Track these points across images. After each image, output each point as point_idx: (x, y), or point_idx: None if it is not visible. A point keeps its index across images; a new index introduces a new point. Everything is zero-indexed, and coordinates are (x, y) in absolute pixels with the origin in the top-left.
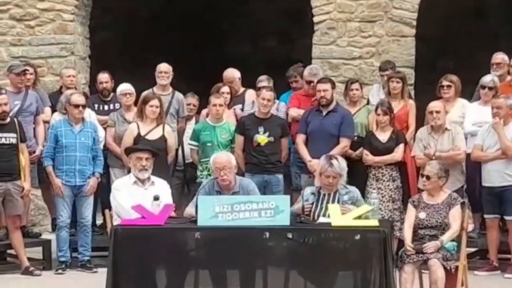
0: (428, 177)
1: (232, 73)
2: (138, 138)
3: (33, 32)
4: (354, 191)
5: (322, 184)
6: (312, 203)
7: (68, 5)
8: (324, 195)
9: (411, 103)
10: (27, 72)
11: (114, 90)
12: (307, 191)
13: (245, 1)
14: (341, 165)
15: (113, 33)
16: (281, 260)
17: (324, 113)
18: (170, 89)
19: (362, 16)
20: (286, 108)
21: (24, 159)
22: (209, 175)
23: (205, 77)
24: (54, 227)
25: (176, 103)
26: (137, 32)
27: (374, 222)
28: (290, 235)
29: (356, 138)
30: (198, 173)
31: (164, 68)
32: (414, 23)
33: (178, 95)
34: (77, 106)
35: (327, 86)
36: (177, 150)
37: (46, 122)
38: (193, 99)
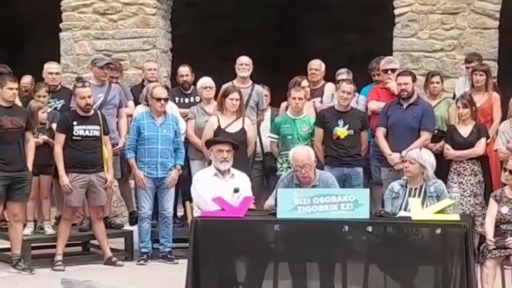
0: (510, 172)
1: (320, 63)
2: (218, 131)
3: (116, 26)
4: (440, 184)
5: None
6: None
7: None
8: (411, 188)
9: (496, 96)
10: (110, 65)
11: (194, 83)
12: (395, 185)
13: None
14: (424, 156)
15: (194, 26)
16: (360, 254)
17: (405, 106)
18: (250, 82)
19: (444, 8)
20: (366, 102)
21: (107, 151)
22: (289, 167)
23: (285, 71)
24: (132, 220)
25: (256, 95)
26: (218, 26)
27: (455, 217)
28: (369, 229)
29: (436, 131)
30: (278, 165)
31: (244, 61)
32: (497, 15)
33: (258, 87)
34: (159, 99)
35: (408, 79)
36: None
37: (129, 116)
38: (264, 91)
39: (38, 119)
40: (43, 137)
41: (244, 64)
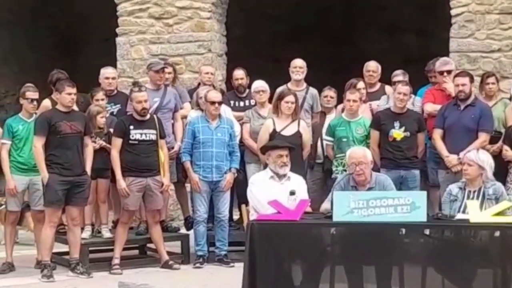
0: None
1: (376, 65)
2: (274, 134)
3: (171, 30)
4: (499, 186)
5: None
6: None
7: (205, 3)
8: (469, 191)
9: None
10: (165, 69)
11: (249, 86)
12: (454, 187)
13: None
14: (482, 157)
15: (248, 29)
16: (417, 257)
17: (462, 107)
18: (304, 84)
19: (502, 8)
20: (421, 103)
21: (163, 155)
22: (344, 170)
23: (341, 72)
24: (187, 225)
25: (310, 98)
26: (272, 29)
27: None
28: (427, 232)
29: (493, 133)
30: (333, 168)
31: (298, 63)
32: None
33: (312, 90)
34: (213, 102)
35: (466, 80)
36: (316, 143)
37: (185, 117)
38: (330, 92)
39: (97, 123)
40: (100, 142)
41: (298, 67)
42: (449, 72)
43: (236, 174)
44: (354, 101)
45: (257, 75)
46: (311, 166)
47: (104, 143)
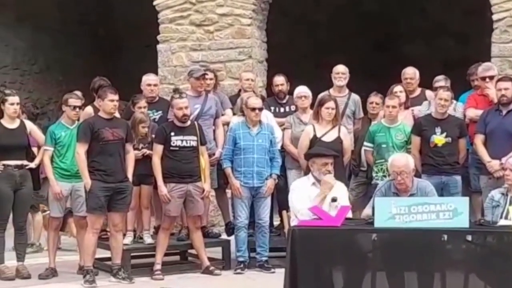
0: None
1: (414, 71)
2: (314, 140)
3: (212, 37)
4: None
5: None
6: None
7: (246, 10)
8: None
9: None
10: (206, 76)
11: (290, 92)
12: (496, 193)
13: (421, 1)
14: None
15: (289, 35)
16: (460, 263)
17: (504, 112)
18: (347, 90)
19: None
20: (463, 109)
21: (204, 161)
22: (384, 176)
23: (382, 78)
24: (228, 231)
25: (353, 104)
26: (313, 34)
27: None
28: (469, 238)
29: None
30: (373, 174)
31: (341, 69)
32: None
33: (354, 96)
34: (253, 109)
35: (508, 84)
36: (359, 150)
37: (226, 123)
38: (375, 98)
39: (138, 132)
40: (143, 151)
41: (340, 73)
42: (491, 77)
43: (276, 180)
44: (393, 107)
45: (298, 81)
46: (355, 173)
47: (147, 152)
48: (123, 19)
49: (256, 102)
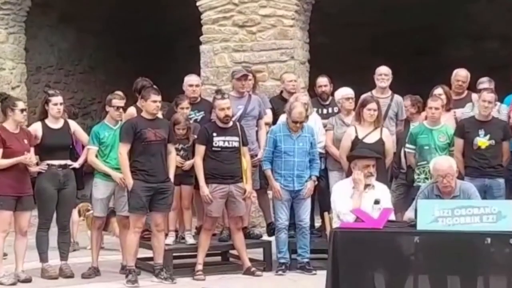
0: None
1: (466, 74)
2: (356, 141)
3: (255, 38)
4: None
5: None
6: None
7: (288, 11)
8: None
9: None
10: (248, 77)
11: (332, 93)
12: None
13: (465, 3)
14: None
15: (332, 36)
16: (503, 267)
17: None
18: (390, 92)
19: None
20: (508, 111)
21: (246, 162)
22: (426, 178)
23: (424, 82)
24: (270, 232)
25: (395, 106)
26: (356, 35)
27: None
28: None
29: None
30: (415, 176)
31: (384, 71)
32: None
33: (397, 97)
34: (295, 122)
35: None
36: (399, 152)
37: (267, 124)
38: (407, 101)
39: (175, 131)
40: (187, 164)
41: (383, 74)
42: None
43: (316, 182)
44: (436, 108)
45: (341, 82)
46: (396, 176)
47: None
48: (169, 20)
49: (299, 116)
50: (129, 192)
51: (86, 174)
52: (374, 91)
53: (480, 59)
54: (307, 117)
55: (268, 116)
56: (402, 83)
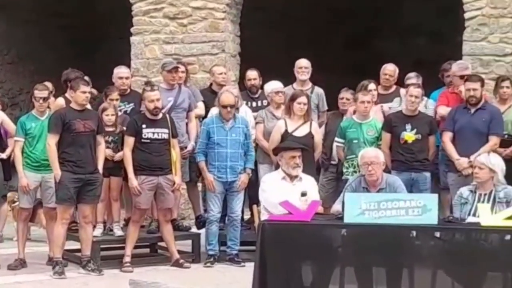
0: None
1: (394, 68)
2: (286, 135)
3: (186, 30)
4: (510, 190)
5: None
6: None
7: (220, 4)
8: (480, 194)
9: None
10: (178, 69)
11: (262, 87)
12: (464, 190)
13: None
14: (493, 161)
15: (263, 30)
16: (428, 259)
17: (473, 110)
18: (310, 84)
19: None
20: (435, 106)
21: (175, 154)
22: (355, 172)
23: (356, 75)
24: (199, 224)
25: (316, 97)
26: (287, 29)
27: None
28: (437, 234)
29: (506, 136)
30: (344, 170)
31: (303, 64)
32: None
33: (318, 89)
34: (225, 106)
35: (477, 85)
36: (331, 145)
37: (198, 116)
38: (346, 93)
39: (103, 120)
40: (118, 155)
41: (303, 67)
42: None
43: (250, 174)
44: (368, 102)
45: (272, 76)
46: (325, 167)
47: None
48: (99, 11)
49: (227, 99)
50: (57, 183)
51: (14, 165)
52: (294, 84)
53: (410, 55)
54: (237, 108)
55: (201, 109)
56: (333, 76)
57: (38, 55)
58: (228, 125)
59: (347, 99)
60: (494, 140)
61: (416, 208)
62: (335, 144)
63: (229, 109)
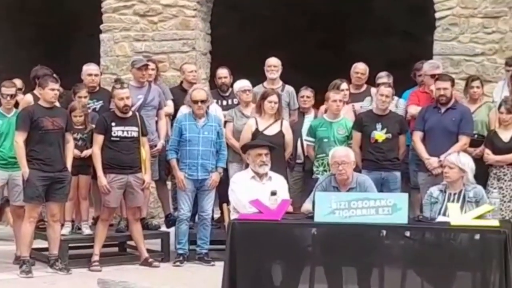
0: None
1: (365, 67)
2: (256, 133)
3: (156, 27)
4: (480, 189)
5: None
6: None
7: (190, 1)
8: (450, 194)
9: None
10: (148, 67)
11: (232, 85)
12: (434, 190)
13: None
14: (463, 160)
15: (235, 29)
16: (398, 259)
17: (443, 110)
18: (280, 82)
19: (486, 12)
20: (405, 105)
21: (145, 152)
22: (325, 171)
23: (328, 75)
24: (168, 223)
25: (287, 95)
26: (259, 28)
27: (494, 222)
28: (407, 234)
29: (476, 136)
30: (314, 169)
31: (273, 62)
32: None
33: (288, 88)
34: (196, 101)
35: (447, 84)
36: (296, 144)
37: (168, 114)
38: (306, 91)
39: (72, 119)
40: (84, 153)
41: (272, 65)
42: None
43: (221, 173)
44: (340, 101)
45: (243, 74)
46: (291, 167)
47: (87, 154)
48: (69, 8)
49: (198, 94)
50: (25, 181)
51: None
52: (265, 83)
53: (381, 54)
54: (207, 107)
55: (170, 107)
56: (304, 76)
57: (6, 52)
58: (200, 122)
59: (308, 97)
60: (464, 140)
61: (386, 208)
62: (304, 142)
63: (200, 104)
